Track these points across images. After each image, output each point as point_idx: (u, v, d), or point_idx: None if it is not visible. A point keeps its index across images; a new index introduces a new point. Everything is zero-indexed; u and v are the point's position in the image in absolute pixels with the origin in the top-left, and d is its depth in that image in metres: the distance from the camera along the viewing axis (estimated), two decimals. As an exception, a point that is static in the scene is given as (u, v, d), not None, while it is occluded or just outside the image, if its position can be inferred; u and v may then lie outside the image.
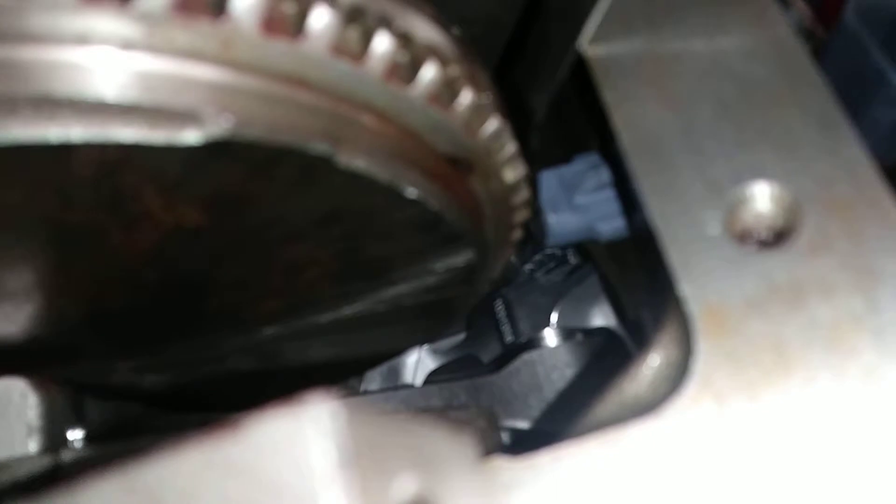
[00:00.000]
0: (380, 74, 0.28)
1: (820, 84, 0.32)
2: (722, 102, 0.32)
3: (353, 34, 0.27)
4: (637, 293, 0.47)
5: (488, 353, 0.64)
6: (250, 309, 0.38)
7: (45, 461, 0.33)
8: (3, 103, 0.22)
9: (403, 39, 0.29)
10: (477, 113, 0.33)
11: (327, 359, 0.50)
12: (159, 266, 0.31)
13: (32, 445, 0.33)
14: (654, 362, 0.30)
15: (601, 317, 0.61)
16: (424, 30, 0.30)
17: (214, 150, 0.25)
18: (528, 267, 0.65)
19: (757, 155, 0.31)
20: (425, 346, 0.65)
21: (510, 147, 0.36)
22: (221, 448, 0.17)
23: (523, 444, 0.28)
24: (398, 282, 0.39)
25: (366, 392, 0.62)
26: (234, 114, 0.25)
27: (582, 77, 0.36)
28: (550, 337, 0.59)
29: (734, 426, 0.27)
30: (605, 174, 0.41)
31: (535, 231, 0.44)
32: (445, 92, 0.31)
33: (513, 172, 0.37)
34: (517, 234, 0.43)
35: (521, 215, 0.41)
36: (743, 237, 0.29)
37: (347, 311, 0.41)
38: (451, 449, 0.22)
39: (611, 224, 0.41)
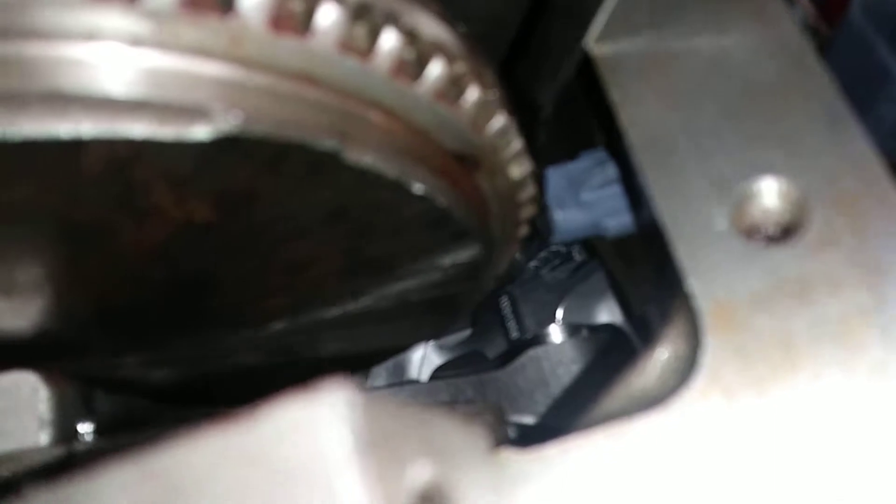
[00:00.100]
0: (387, 71, 0.28)
1: (826, 79, 0.32)
2: (728, 99, 0.32)
3: (361, 31, 0.27)
4: (643, 289, 0.47)
5: (494, 350, 0.64)
6: (257, 305, 0.38)
7: (59, 451, 0.33)
8: (12, 99, 0.23)
9: (410, 36, 0.29)
10: (483, 109, 0.33)
11: (333, 354, 0.50)
12: (168, 262, 0.31)
13: (44, 438, 0.33)
14: (661, 356, 0.30)
15: (606, 313, 0.61)
16: (431, 27, 0.31)
17: (223, 146, 0.25)
18: (533, 264, 0.66)
19: (763, 150, 0.31)
20: (431, 343, 0.65)
21: (516, 143, 0.36)
22: (237, 434, 0.17)
23: (529, 439, 0.28)
24: (404, 278, 0.39)
25: (372, 388, 0.62)
26: (242, 110, 0.25)
27: (588, 75, 0.36)
28: (556, 333, 0.59)
29: (742, 420, 0.27)
30: (611, 170, 0.41)
31: (541, 228, 0.45)
32: (452, 89, 0.31)
33: (519, 169, 0.37)
34: (523, 231, 0.43)
35: (528, 212, 0.41)
36: (750, 232, 0.29)
37: (353, 306, 0.41)
38: (463, 439, 0.22)
39: (617, 220, 0.41)
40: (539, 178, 0.41)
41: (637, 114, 0.33)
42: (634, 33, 0.35)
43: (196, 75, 0.25)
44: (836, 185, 0.29)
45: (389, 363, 0.64)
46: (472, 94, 0.32)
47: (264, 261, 0.33)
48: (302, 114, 0.26)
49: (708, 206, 0.30)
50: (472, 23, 0.33)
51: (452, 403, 0.54)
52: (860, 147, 0.30)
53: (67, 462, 0.32)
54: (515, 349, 0.59)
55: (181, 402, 0.48)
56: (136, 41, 0.24)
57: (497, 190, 0.37)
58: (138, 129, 0.24)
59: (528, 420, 0.55)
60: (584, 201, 0.42)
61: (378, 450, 0.17)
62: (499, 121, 0.34)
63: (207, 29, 0.25)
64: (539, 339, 0.59)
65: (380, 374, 0.64)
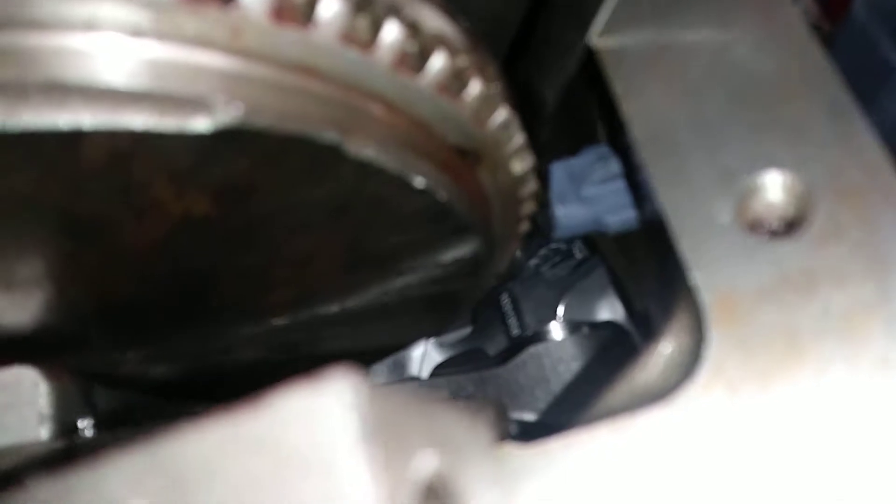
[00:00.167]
0: (389, 63, 0.28)
1: (831, 73, 0.32)
2: (732, 92, 0.32)
3: (363, 23, 0.27)
4: (645, 285, 0.47)
5: (494, 347, 0.64)
6: (258, 299, 0.38)
7: (59, 446, 0.33)
8: (13, 89, 0.22)
9: (412, 29, 0.29)
10: (486, 103, 0.33)
11: (333, 351, 0.50)
12: (168, 256, 0.31)
13: (44, 432, 0.33)
14: (664, 350, 0.30)
15: (607, 310, 0.61)
16: (433, 19, 0.30)
17: (224, 138, 0.24)
18: (533, 261, 0.66)
19: (768, 144, 0.30)
20: (431, 340, 0.65)
21: (518, 138, 0.36)
22: (243, 422, 0.17)
23: (530, 436, 0.28)
24: (405, 273, 0.39)
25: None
26: (243, 102, 0.25)
27: (591, 68, 0.36)
28: (556, 330, 0.59)
29: (746, 414, 0.26)
30: (613, 166, 0.41)
31: (542, 224, 0.44)
32: (454, 82, 0.31)
33: (521, 164, 0.37)
34: (524, 227, 0.43)
35: (529, 207, 0.41)
36: (754, 226, 0.29)
37: (354, 302, 0.41)
38: (467, 432, 0.22)
39: (619, 216, 0.41)
40: (541, 173, 0.41)
41: (640, 107, 0.33)
42: (638, 26, 0.35)
43: (197, 67, 0.25)
44: (840, 179, 0.29)
45: (389, 360, 0.64)
46: (475, 87, 0.32)
47: (265, 255, 0.33)
48: (303, 106, 0.26)
49: (712, 200, 0.30)
50: (473, 20, 0.33)
51: (454, 399, 0.54)
52: (865, 140, 0.30)
53: (68, 456, 0.32)
54: (516, 346, 0.59)
55: (181, 398, 0.47)
56: (136, 31, 0.24)
57: (499, 185, 0.37)
58: (138, 120, 0.23)
59: (529, 417, 0.55)
60: (586, 197, 0.42)
61: (384, 438, 0.17)
62: (501, 115, 0.34)
63: (208, 19, 0.24)
64: (540, 336, 0.59)
65: (380, 371, 0.64)
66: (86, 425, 0.35)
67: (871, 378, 0.26)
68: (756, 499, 0.26)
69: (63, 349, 0.38)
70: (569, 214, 0.42)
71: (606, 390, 0.30)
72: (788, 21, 0.33)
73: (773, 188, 0.30)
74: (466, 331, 0.66)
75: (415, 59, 0.29)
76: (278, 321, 0.41)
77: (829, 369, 0.27)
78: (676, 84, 0.33)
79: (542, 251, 0.66)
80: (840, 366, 0.26)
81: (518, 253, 0.63)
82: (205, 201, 0.28)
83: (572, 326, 0.60)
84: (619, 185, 0.41)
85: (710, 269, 0.28)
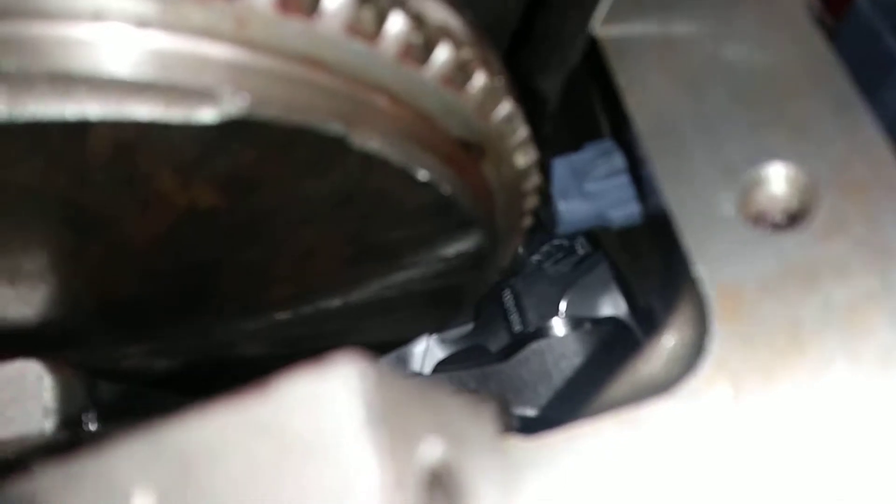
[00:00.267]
0: (394, 55, 0.28)
1: (835, 65, 0.32)
2: (736, 84, 0.32)
3: (368, 14, 0.27)
4: (648, 280, 0.47)
5: (496, 343, 0.64)
6: (262, 293, 0.38)
7: (63, 439, 0.33)
8: (19, 80, 0.22)
9: (417, 20, 0.29)
10: (490, 96, 0.33)
11: (336, 346, 0.50)
12: (173, 248, 0.31)
13: (48, 426, 0.33)
14: (668, 343, 0.30)
15: (609, 306, 0.61)
16: (437, 11, 0.30)
17: (229, 130, 0.24)
18: (535, 258, 0.65)
19: (771, 136, 0.30)
20: (433, 336, 0.65)
21: (522, 131, 0.36)
22: (250, 407, 0.17)
23: (532, 431, 0.28)
24: (408, 267, 0.39)
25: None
26: (249, 93, 0.25)
27: (594, 61, 0.36)
28: (559, 326, 0.59)
29: (749, 407, 0.26)
30: (616, 161, 0.41)
31: (545, 219, 0.44)
32: (459, 74, 0.31)
33: (524, 157, 0.37)
34: (528, 221, 0.43)
35: (532, 201, 0.41)
36: (758, 219, 0.29)
37: (357, 296, 0.41)
38: (473, 422, 0.22)
39: (622, 211, 0.41)
40: (544, 168, 0.41)
41: (644, 99, 0.33)
42: (642, 18, 0.35)
43: (202, 57, 0.25)
44: (844, 172, 0.29)
45: (392, 356, 0.64)
46: (479, 79, 0.32)
47: (269, 248, 0.33)
48: (309, 98, 0.26)
49: (715, 193, 0.30)
50: (474, 13, 0.33)
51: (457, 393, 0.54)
52: (868, 133, 0.30)
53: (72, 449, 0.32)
54: (518, 342, 0.59)
55: (184, 392, 0.47)
56: (143, 22, 0.24)
57: (502, 179, 0.37)
58: (144, 111, 0.23)
59: (531, 413, 0.55)
60: (589, 192, 0.42)
61: (390, 424, 0.17)
62: (505, 108, 0.34)
63: (214, 10, 0.24)
64: (542, 332, 0.59)
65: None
66: (89, 419, 0.35)
67: (874, 371, 0.26)
68: (759, 491, 0.26)
69: (67, 343, 0.38)
70: (571, 209, 0.42)
71: (610, 383, 0.30)
72: (793, 14, 0.33)
73: (777, 181, 0.30)
74: (469, 327, 0.66)
75: (419, 50, 0.29)
76: (281, 315, 0.41)
77: (831, 362, 0.27)
78: (680, 76, 0.33)
79: (545, 247, 0.65)
80: (842, 359, 0.26)
81: (521, 249, 0.63)
82: (210, 193, 0.28)
83: (574, 322, 0.60)
84: (622, 180, 0.41)
85: (714, 261, 0.28)
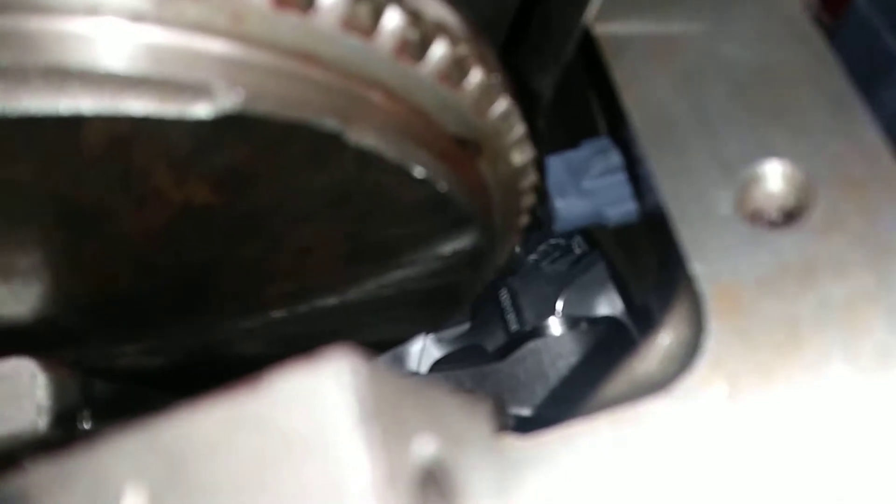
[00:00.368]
0: (390, 50, 0.28)
1: (833, 62, 0.32)
2: (733, 81, 0.32)
3: (364, 9, 0.27)
4: (645, 278, 0.47)
5: (493, 342, 0.64)
6: (258, 291, 0.38)
7: (56, 437, 0.33)
8: (14, 74, 0.22)
9: (413, 16, 0.29)
10: (486, 93, 0.32)
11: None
12: (168, 245, 0.31)
13: (42, 424, 0.33)
14: (664, 341, 0.29)
15: (606, 305, 0.61)
16: (434, 7, 0.30)
17: (225, 125, 0.24)
18: (532, 257, 0.65)
19: (769, 133, 0.30)
20: (430, 335, 0.65)
21: (519, 128, 0.36)
22: (242, 403, 0.17)
23: (528, 430, 0.28)
24: (405, 265, 0.39)
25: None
26: (245, 88, 0.25)
27: (591, 57, 0.36)
28: (555, 325, 0.59)
29: (745, 405, 0.26)
30: (612, 159, 0.41)
31: (542, 217, 0.44)
32: (455, 70, 0.31)
33: (521, 155, 0.37)
34: (524, 219, 0.43)
35: (529, 199, 0.41)
36: (755, 216, 0.29)
37: (353, 295, 0.41)
38: (468, 419, 0.22)
39: (618, 209, 0.41)
40: (540, 165, 0.41)
41: (641, 95, 0.33)
42: (638, 13, 0.35)
43: (198, 52, 0.24)
44: (841, 169, 0.29)
45: (388, 355, 0.63)
46: (475, 76, 0.32)
47: (265, 245, 0.33)
48: (304, 93, 0.26)
49: (712, 190, 0.30)
50: (471, 7, 0.33)
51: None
52: (866, 130, 0.30)
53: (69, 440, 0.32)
54: (515, 342, 0.59)
55: (181, 391, 0.47)
56: (138, 16, 0.24)
57: (499, 176, 0.37)
58: (139, 106, 0.23)
59: (528, 412, 0.54)
60: (585, 190, 0.42)
61: (383, 420, 0.16)
62: (501, 104, 0.34)
63: (209, 5, 0.24)
64: (539, 331, 0.59)
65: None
66: (83, 417, 0.35)
67: (871, 369, 0.26)
68: (755, 489, 0.26)
69: (63, 342, 0.37)
70: (568, 207, 0.42)
71: (606, 381, 0.30)
72: (790, 11, 0.33)
73: (774, 178, 0.30)
74: (465, 326, 0.66)
75: (416, 46, 0.29)
76: (277, 313, 0.40)
77: (828, 360, 0.26)
78: (677, 74, 0.33)
79: (542, 246, 0.65)
80: (840, 357, 0.26)
81: (517, 248, 0.63)
82: (205, 189, 0.27)
83: (571, 322, 0.60)
84: (619, 178, 0.41)
85: (711, 259, 0.28)
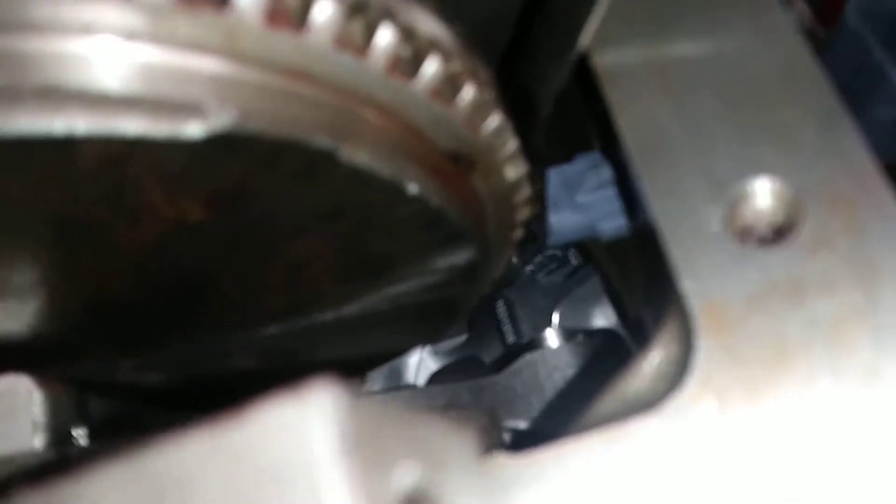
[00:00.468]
0: (382, 68, 0.28)
1: (822, 80, 0.32)
2: (724, 99, 0.32)
3: (357, 27, 0.27)
4: (637, 292, 0.47)
5: (490, 354, 0.64)
6: (253, 306, 0.38)
7: (52, 455, 0.33)
8: (8, 94, 0.22)
9: (406, 33, 0.29)
10: (479, 109, 0.33)
11: (329, 359, 0.50)
12: (162, 261, 0.31)
13: (38, 442, 0.33)
14: (654, 359, 0.30)
15: (603, 317, 0.61)
16: (427, 24, 0.30)
17: (217, 144, 0.25)
18: (529, 268, 0.66)
19: (758, 151, 0.31)
20: (427, 348, 0.65)
21: (512, 144, 0.36)
22: (224, 434, 0.17)
23: (524, 444, 0.28)
24: (400, 280, 0.39)
25: (367, 391, 0.62)
26: (237, 107, 0.25)
27: (584, 75, 0.36)
28: (552, 337, 0.60)
29: (734, 423, 0.26)
30: (606, 173, 0.41)
31: (536, 230, 0.44)
32: (448, 87, 0.31)
33: (514, 170, 0.37)
34: (519, 233, 0.43)
35: (523, 213, 0.41)
36: (744, 234, 0.29)
37: (348, 309, 0.41)
38: (452, 443, 0.22)
39: (612, 223, 0.41)
40: (539, 179, 0.41)
41: (633, 114, 0.33)
42: (631, 35, 0.35)
43: (191, 71, 0.25)
44: (830, 186, 0.29)
45: (385, 368, 0.63)
46: (468, 92, 0.32)
47: (258, 261, 0.33)
48: (297, 111, 0.26)
49: (702, 207, 0.30)
50: (467, 22, 0.33)
51: (447, 409, 0.54)
52: (854, 148, 0.30)
53: (60, 466, 0.32)
54: (511, 354, 0.59)
55: (176, 406, 0.47)
56: (132, 36, 0.24)
57: (492, 191, 0.37)
58: (132, 125, 0.23)
59: (524, 425, 0.55)
60: (579, 204, 0.42)
61: (364, 450, 0.17)
62: (494, 120, 0.34)
63: (202, 23, 0.24)
64: (535, 343, 0.59)
65: (376, 378, 0.64)
66: (80, 434, 0.35)
67: (858, 386, 0.26)
68: (745, 506, 0.26)
69: (57, 357, 0.38)
70: (562, 221, 0.42)
71: (597, 399, 0.30)
72: (781, 28, 0.34)
73: (763, 195, 0.30)
74: (462, 338, 0.66)
75: (408, 63, 0.29)
76: (272, 328, 0.41)
77: (816, 378, 0.27)
78: (668, 91, 0.33)
79: (538, 258, 0.66)
80: (827, 374, 0.27)
81: (514, 259, 0.63)
82: (198, 206, 0.28)
83: (568, 334, 0.60)
84: (613, 192, 0.41)
85: (700, 277, 0.28)
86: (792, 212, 0.29)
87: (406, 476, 0.18)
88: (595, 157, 0.42)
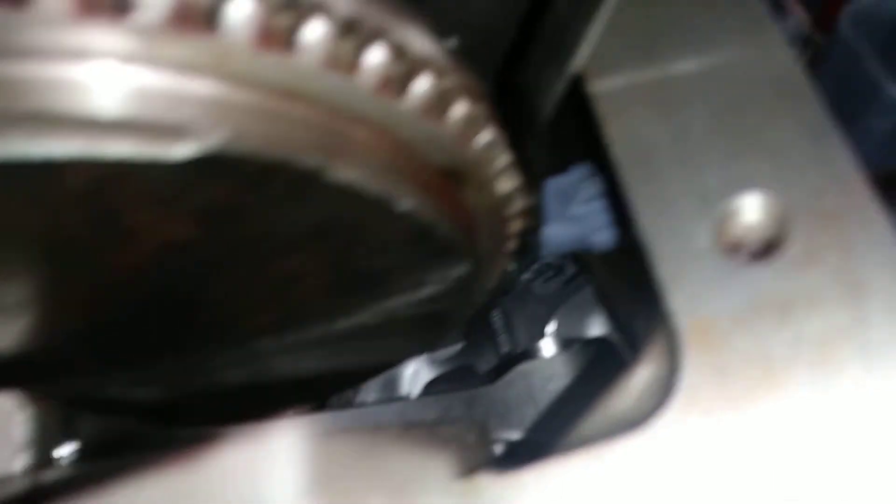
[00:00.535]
0: (372, 87, 0.28)
1: (812, 95, 0.32)
2: (713, 115, 0.32)
3: (347, 47, 0.27)
4: (630, 304, 0.47)
5: (485, 364, 0.64)
6: (244, 322, 0.38)
7: (25, 482, 0.32)
8: (-1, 119, 0.23)
9: (397, 52, 0.29)
10: (471, 124, 0.33)
11: (322, 371, 0.50)
12: (153, 279, 0.31)
13: (18, 464, 0.33)
14: (642, 376, 0.30)
15: (598, 326, 0.61)
16: (418, 42, 0.30)
17: (206, 165, 0.25)
18: (526, 276, 0.66)
19: (747, 166, 0.31)
20: (422, 357, 0.65)
21: (504, 158, 0.36)
22: (190, 473, 0.17)
23: (518, 454, 0.28)
24: (392, 293, 0.39)
25: (362, 404, 0.62)
26: (226, 128, 0.25)
27: (575, 89, 0.36)
28: (548, 347, 0.60)
29: (720, 441, 0.27)
30: (599, 184, 0.42)
31: (530, 241, 0.45)
32: (439, 104, 0.31)
33: (507, 184, 0.37)
34: (513, 245, 0.43)
35: (517, 225, 0.41)
36: (732, 250, 0.29)
37: (341, 323, 0.41)
38: (424, 470, 0.22)
39: (604, 235, 0.41)
40: (536, 191, 0.41)
41: (623, 129, 0.33)
42: (623, 50, 0.35)
43: (181, 93, 0.25)
44: (818, 201, 0.29)
45: (381, 379, 0.64)
46: (459, 109, 0.32)
47: (250, 277, 0.33)
48: (287, 131, 0.26)
49: (690, 223, 0.30)
50: (466, 31, 0.34)
51: (439, 421, 0.54)
52: (843, 163, 0.30)
53: (32, 495, 0.32)
54: (507, 363, 0.59)
55: (167, 421, 0.48)
56: (122, 59, 0.24)
57: (485, 205, 0.37)
58: (120, 148, 0.24)
59: (518, 436, 0.55)
60: (572, 215, 0.42)
61: (330, 488, 0.17)
62: (486, 135, 0.34)
63: (193, 46, 0.25)
64: (530, 352, 0.59)
65: (371, 389, 0.64)
66: (67, 453, 0.35)
67: (844, 403, 0.26)
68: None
69: (46, 375, 0.38)
70: (555, 233, 0.42)
71: (584, 417, 0.30)
72: (771, 43, 0.34)
73: (751, 211, 0.30)
74: (458, 347, 0.66)
75: (399, 82, 0.29)
76: (265, 343, 0.41)
77: (802, 395, 0.27)
78: (657, 106, 0.33)
79: (535, 266, 0.66)
80: (813, 391, 0.27)
81: (512, 267, 0.63)
82: (188, 226, 0.28)
83: (563, 343, 0.60)
84: (605, 205, 0.41)
85: (687, 293, 0.29)
86: (780, 228, 0.29)
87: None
88: (588, 168, 0.42)
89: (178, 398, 0.47)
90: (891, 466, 0.26)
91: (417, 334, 0.50)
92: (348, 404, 0.61)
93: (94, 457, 0.36)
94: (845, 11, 0.43)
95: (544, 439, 0.53)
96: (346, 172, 0.28)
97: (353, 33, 0.27)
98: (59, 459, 0.35)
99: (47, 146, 0.23)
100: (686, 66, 0.34)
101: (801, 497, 0.26)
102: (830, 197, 0.30)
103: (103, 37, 0.24)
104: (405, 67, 0.29)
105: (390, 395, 0.64)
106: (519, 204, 0.40)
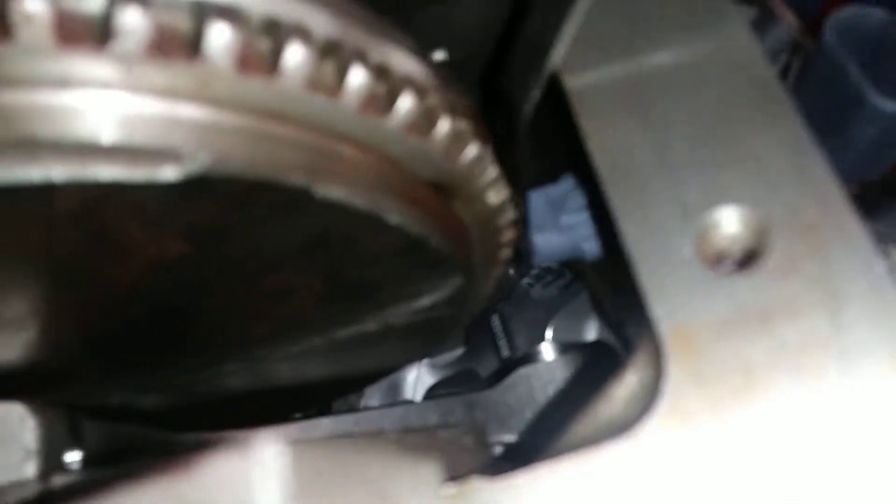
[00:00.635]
0: (356, 107, 0.29)
1: (790, 107, 0.32)
2: (694, 126, 0.33)
3: (328, 69, 0.28)
4: (620, 311, 0.48)
5: (487, 368, 0.64)
6: (240, 334, 0.38)
7: (36, 487, 0.33)
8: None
9: (380, 72, 0.30)
10: (456, 140, 0.33)
11: (322, 377, 0.51)
12: (147, 295, 0.32)
13: (29, 469, 0.34)
14: (628, 383, 0.30)
15: (597, 330, 0.62)
16: (401, 61, 0.31)
17: (193, 186, 0.25)
18: (526, 280, 0.66)
19: (727, 178, 0.31)
20: (424, 362, 0.65)
21: (492, 171, 0.36)
22: (173, 486, 0.18)
23: (517, 456, 0.29)
24: (386, 304, 0.40)
25: (365, 408, 0.62)
26: (212, 150, 0.25)
27: (555, 99, 0.36)
28: (547, 351, 0.60)
29: (703, 447, 0.27)
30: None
31: (522, 250, 0.45)
32: (424, 121, 0.31)
33: (496, 195, 0.38)
34: (505, 254, 0.44)
35: (508, 235, 0.42)
36: (713, 260, 0.30)
37: (337, 333, 0.42)
38: (408, 478, 0.22)
39: (594, 244, 0.42)
40: (522, 200, 0.42)
41: (604, 138, 0.33)
42: (602, 58, 0.35)
43: (165, 118, 0.25)
44: (797, 213, 0.30)
45: (384, 383, 0.64)
46: (444, 125, 0.32)
47: (242, 292, 0.34)
48: (272, 151, 0.27)
49: (672, 234, 0.30)
50: (452, 41, 0.34)
51: (438, 426, 0.54)
52: (822, 175, 0.30)
53: (50, 495, 0.33)
54: (507, 367, 0.60)
55: (172, 427, 0.48)
56: (106, 86, 0.24)
57: (475, 216, 0.37)
58: (108, 172, 0.24)
59: (517, 439, 0.55)
60: (564, 224, 0.43)
61: (314, 496, 0.17)
62: (472, 150, 0.34)
63: (175, 72, 0.25)
64: (530, 357, 0.60)
65: (374, 393, 0.64)
66: (74, 459, 0.36)
67: (823, 410, 0.27)
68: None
69: (50, 384, 0.38)
70: (546, 242, 0.43)
71: (574, 422, 0.30)
72: (751, 56, 0.34)
73: (731, 223, 0.30)
74: (459, 351, 0.67)
75: (383, 101, 0.30)
76: (262, 353, 0.41)
77: (782, 401, 0.27)
78: (640, 117, 0.34)
79: (534, 270, 0.66)
80: (793, 398, 0.27)
81: (511, 272, 0.63)
82: (178, 245, 0.28)
83: (562, 347, 0.60)
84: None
85: (670, 302, 0.29)
86: (760, 239, 0.30)
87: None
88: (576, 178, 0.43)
89: (182, 404, 0.47)
90: (870, 470, 0.26)
91: (416, 341, 0.51)
92: (352, 409, 0.62)
93: (100, 463, 0.37)
94: (829, 20, 0.43)
95: (541, 441, 0.54)
96: (333, 190, 0.28)
97: (334, 55, 0.28)
98: (69, 465, 0.35)
99: (34, 171, 0.23)
100: (665, 76, 0.34)
101: (781, 501, 0.26)
102: (809, 208, 0.30)
103: (87, 66, 0.24)
104: (388, 86, 0.30)
105: (393, 398, 0.64)
106: (510, 215, 0.40)
